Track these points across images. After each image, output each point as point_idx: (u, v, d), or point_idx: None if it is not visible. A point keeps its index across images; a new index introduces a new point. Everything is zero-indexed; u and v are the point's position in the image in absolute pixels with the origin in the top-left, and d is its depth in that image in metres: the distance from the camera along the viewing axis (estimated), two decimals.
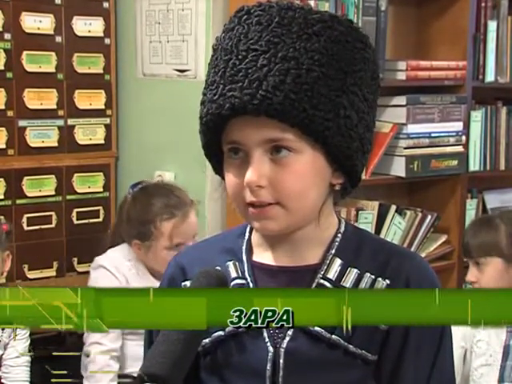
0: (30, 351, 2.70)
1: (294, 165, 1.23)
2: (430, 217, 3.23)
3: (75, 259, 3.05)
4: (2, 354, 2.66)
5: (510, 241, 2.55)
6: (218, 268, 1.33)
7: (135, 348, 2.65)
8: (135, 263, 2.69)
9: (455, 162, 3.27)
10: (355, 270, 1.31)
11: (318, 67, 1.21)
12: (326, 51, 1.22)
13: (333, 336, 1.27)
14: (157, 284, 2.73)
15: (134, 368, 2.69)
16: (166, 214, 2.63)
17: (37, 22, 3.01)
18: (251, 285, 1.32)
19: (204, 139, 1.30)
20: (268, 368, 1.27)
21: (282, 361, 1.27)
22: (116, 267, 2.67)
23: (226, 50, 1.24)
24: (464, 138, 3.30)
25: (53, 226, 3.09)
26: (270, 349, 1.28)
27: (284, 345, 1.28)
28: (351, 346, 1.27)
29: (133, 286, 2.58)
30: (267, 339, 1.28)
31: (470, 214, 3.37)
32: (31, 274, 3.04)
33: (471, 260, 2.62)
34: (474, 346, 2.57)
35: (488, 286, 2.57)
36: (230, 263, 1.34)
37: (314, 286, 1.30)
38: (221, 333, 1.30)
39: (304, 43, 1.21)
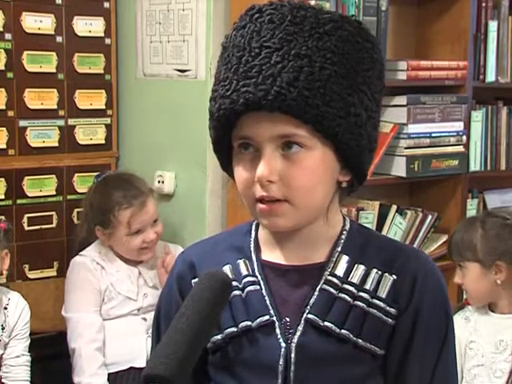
0: (30, 351, 2.71)
1: (304, 161, 1.24)
2: (430, 217, 3.23)
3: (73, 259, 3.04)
4: (3, 354, 2.66)
5: (485, 246, 2.52)
6: (224, 270, 1.35)
7: (111, 329, 2.78)
8: (105, 252, 2.86)
9: (456, 162, 3.27)
10: (362, 267, 1.33)
11: (330, 65, 1.23)
12: (337, 50, 1.24)
13: (342, 331, 1.29)
14: (126, 266, 2.84)
15: (113, 344, 2.78)
16: (124, 204, 2.78)
17: (37, 22, 3.01)
18: (262, 283, 1.34)
19: (215, 135, 1.31)
20: (280, 363, 1.29)
21: (293, 355, 1.29)
22: (91, 260, 2.83)
23: (239, 47, 1.26)
24: (465, 138, 3.30)
25: (53, 225, 3.10)
26: (283, 344, 1.30)
27: (295, 340, 1.30)
28: (360, 341, 1.29)
29: (108, 271, 2.82)
30: (279, 335, 1.30)
31: (471, 214, 3.37)
32: (32, 274, 3.04)
33: (456, 262, 2.62)
34: (467, 348, 2.57)
35: (470, 289, 2.58)
36: (241, 261, 1.36)
37: (322, 282, 1.32)
38: (234, 329, 1.32)
39: (316, 42, 1.23)
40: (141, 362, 2.74)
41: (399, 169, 3.13)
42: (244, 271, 1.35)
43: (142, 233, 2.81)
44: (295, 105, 1.21)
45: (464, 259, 2.55)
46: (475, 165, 3.38)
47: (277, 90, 1.20)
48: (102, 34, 3.19)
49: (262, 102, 1.21)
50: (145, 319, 2.80)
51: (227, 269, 1.36)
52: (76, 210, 3.13)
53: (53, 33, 3.05)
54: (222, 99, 1.26)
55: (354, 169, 1.30)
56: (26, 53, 2.99)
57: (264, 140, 1.24)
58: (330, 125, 1.23)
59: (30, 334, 2.72)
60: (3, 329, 2.65)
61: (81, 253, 2.87)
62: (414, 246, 3.17)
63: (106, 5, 3.19)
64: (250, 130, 1.25)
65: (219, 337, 1.32)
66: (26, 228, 3.03)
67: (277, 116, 1.22)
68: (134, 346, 2.75)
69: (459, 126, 3.28)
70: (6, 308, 2.66)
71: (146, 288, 2.84)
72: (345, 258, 1.33)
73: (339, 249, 1.34)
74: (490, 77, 3.40)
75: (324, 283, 1.31)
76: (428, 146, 3.18)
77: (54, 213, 3.09)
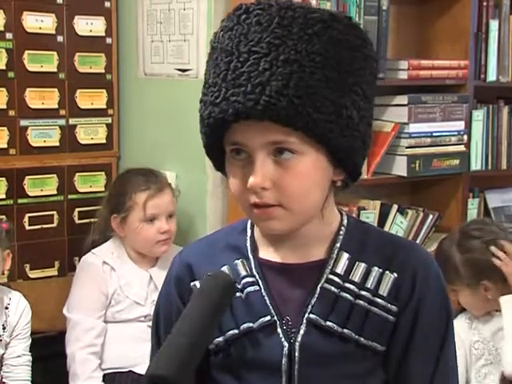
0: (30, 351, 2.71)
1: (297, 167, 1.23)
2: (431, 216, 3.23)
3: (77, 259, 3.04)
4: (3, 354, 2.66)
5: (468, 271, 2.55)
6: (227, 272, 1.34)
7: (114, 332, 2.79)
8: (118, 253, 2.85)
9: (457, 162, 3.27)
10: (363, 265, 1.33)
11: (320, 70, 1.20)
12: (326, 53, 1.21)
13: (345, 330, 1.29)
14: (138, 269, 2.83)
15: (114, 348, 2.78)
16: (142, 186, 2.81)
17: (38, 22, 3.01)
18: (260, 282, 1.33)
19: (206, 140, 1.30)
20: (284, 362, 1.29)
21: (297, 354, 1.29)
22: (102, 262, 2.82)
23: (227, 51, 1.24)
24: (466, 137, 3.30)
25: (54, 225, 3.10)
26: (285, 344, 1.30)
27: (299, 339, 1.30)
28: (362, 339, 1.30)
29: (118, 273, 2.82)
30: (281, 335, 1.30)
31: (472, 214, 3.37)
32: (33, 274, 3.05)
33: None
34: (472, 348, 2.57)
35: (468, 307, 2.61)
36: (239, 261, 1.35)
37: (323, 281, 1.32)
38: (235, 331, 1.32)
39: (305, 45, 1.20)
40: (141, 369, 2.69)
41: (400, 168, 3.13)
42: (242, 272, 1.34)
43: (156, 221, 2.80)
44: (285, 114, 1.19)
45: (452, 285, 2.55)
46: (476, 164, 3.38)
47: (266, 99, 1.18)
48: (103, 34, 3.19)
49: (251, 112, 1.19)
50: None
51: (225, 270, 1.35)
52: (77, 209, 3.13)
53: (54, 32, 3.05)
54: (211, 106, 1.24)
55: (348, 168, 1.30)
56: (26, 52, 2.99)
57: (255, 147, 1.23)
58: (322, 131, 1.21)
59: (31, 334, 2.72)
60: (4, 328, 2.65)
61: (93, 251, 2.86)
62: None
63: (107, 4, 3.19)
64: (241, 137, 1.24)
65: (221, 339, 1.32)
66: (27, 227, 3.03)
67: (267, 124, 1.20)
68: (135, 353, 2.71)
69: (460, 125, 3.28)
70: (7, 308, 2.67)
71: (157, 294, 2.78)
72: (345, 256, 1.33)
73: (338, 245, 1.34)
74: (491, 76, 3.39)
75: (325, 282, 1.31)
76: (429, 146, 3.18)
77: (54, 212, 3.09)
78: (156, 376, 1.03)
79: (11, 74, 2.97)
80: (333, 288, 1.31)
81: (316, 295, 1.31)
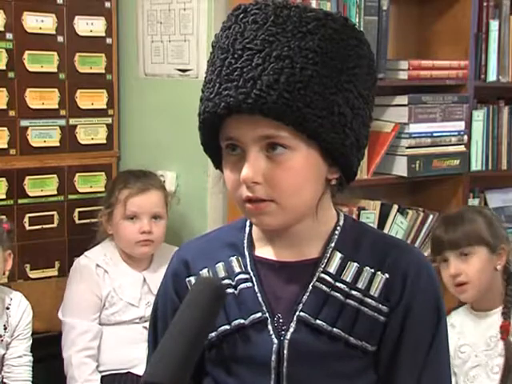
0: (31, 351, 2.70)
1: (288, 162, 1.24)
2: (431, 216, 3.24)
3: (77, 259, 3.04)
4: (4, 354, 2.66)
5: (491, 230, 2.56)
6: (217, 268, 1.36)
7: (110, 335, 2.78)
8: (110, 255, 2.85)
9: (457, 162, 3.27)
10: (355, 264, 1.33)
11: (311, 66, 1.22)
12: (320, 49, 1.23)
13: (334, 329, 1.30)
14: (131, 271, 2.84)
15: (111, 351, 2.78)
16: (128, 184, 2.82)
17: (39, 22, 3.01)
18: (254, 279, 1.34)
19: (202, 136, 1.33)
20: (273, 359, 1.30)
21: (286, 352, 1.30)
22: (95, 265, 2.82)
23: (223, 48, 1.26)
24: (466, 137, 3.30)
25: (55, 225, 3.10)
26: (275, 341, 1.31)
27: (288, 336, 1.30)
28: (352, 338, 1.30)
29: (112, 276, 2.81)
30: (271, 331, 1.31)
31: None
32: (33, 274, 3.05)
33: (451, 253, 2.53)
34: (458, 352, 2.56)
35: (475, 277, 2.54)
36: (233, 258, 1.37)
37: (314, 280, 1.33)
38: (227, 327, 1.33)
39: (298, 42, 1.22)
40: (139, 370, 2.70)
41: (400, 168, 3.13)
42: (237, 268, 1.36)
43: (137, 220, 2.79)
44: (275, 108, 1.21)
45: (473, 244, 2.52)
46: (476, 164, 3.38)
47: (257, 93, 1.21)
48: (103, 34, 3.19)
49: (242, 105, 1.21)
50: (146, 328, 2.75)
51: (220, 266, 1.37)
52: (77, 209, 3.13)
53: (54, 32, 3.05)
54: (206, 102, 1.27)
55: (342, 166, 1.30)
56: (27, 52, 2.99)
57: (248, 141, 1.24)
58: (312, 126, 1.22)
59: (32, 334, 2.72)
60: (5, 329, 2.65)
61: (86, 254, 2.86)
62: (416, 245, 3.17)
63: (107, 4, 3.19)
64: (234, 132, 1.25)
65: (213, 334, 1.33)
66: (28, 228, 3.03)
67: (258, 118, 1.22)
68: (133, 355, 2.71)
69: (460, 125, 3.28)
70: (8, 308, 2.67)
71: (150, 296, 2.77)
72: (338, 255, 1.33)
73: (333, 245, 1.34)
74: (492, 76, 3.40)
75: (317, 281, 1.32)
76: (429, 146, 3.18)
77: (55, 212, 3.09)
78: (153, 383, 1.03)
79: (11, 74, 2.97)
80: (324, 287, 1.32)
81: (307, 293, 1.32)
